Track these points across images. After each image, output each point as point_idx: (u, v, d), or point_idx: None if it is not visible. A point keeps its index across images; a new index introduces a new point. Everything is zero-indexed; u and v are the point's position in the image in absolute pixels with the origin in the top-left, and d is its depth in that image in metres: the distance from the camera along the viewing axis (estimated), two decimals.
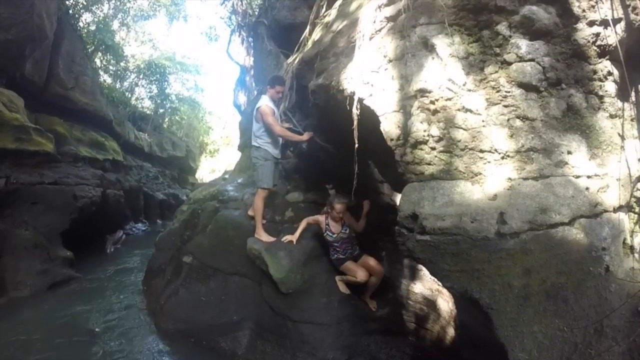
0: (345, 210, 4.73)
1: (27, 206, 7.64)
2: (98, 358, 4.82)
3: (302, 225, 4.94)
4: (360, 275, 4.54)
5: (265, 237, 4.99)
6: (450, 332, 4.29)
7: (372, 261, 4.78)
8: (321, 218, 4.83)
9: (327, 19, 5.18)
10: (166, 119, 25.75)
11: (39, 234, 7.60)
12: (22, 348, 4.93)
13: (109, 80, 19.35)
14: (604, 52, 2.84)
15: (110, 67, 19.33)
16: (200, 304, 5.31)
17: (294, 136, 5.03)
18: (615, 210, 2.83)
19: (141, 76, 21.77)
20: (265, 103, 4.94)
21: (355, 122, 3.62)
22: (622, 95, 2.98)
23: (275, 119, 4.96)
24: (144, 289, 7.21)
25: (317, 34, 5.19)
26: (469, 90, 2.87)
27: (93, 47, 16.40)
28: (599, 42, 2.80)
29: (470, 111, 2.84)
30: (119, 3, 18.94)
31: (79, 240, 8.96)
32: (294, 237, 4.86)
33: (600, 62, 2.88)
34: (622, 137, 2.94)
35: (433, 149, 2.95)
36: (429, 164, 2.97)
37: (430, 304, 4.61)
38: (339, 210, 4.64)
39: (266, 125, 4.91)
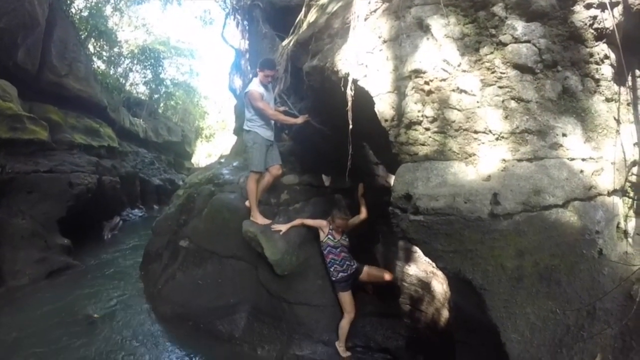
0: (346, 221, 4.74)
1: (23, 195, 7.64)
2: (97, 343, 4.87)
3: (296, 223, 4.88)
4: (351, 315, 4.52)
5: (260, 220, 4.97)
6: (445, 313, 4.33)
7: (374, 270, 4.83)
8: (324, 223, 4.77)
9: (322, 1, 5.09)
10: (161, 104, 25.62)
11: (36, 223, 7.62)
12: (22, 336, 4.96)
13: (102, 66, 19.17)
14: (601, 35, 2.80)
15: (104, 53, 19.11)
16: (198, 288, 5.35)
17: (288, 119, 4.96)
18: (610, 193, 2.82)
19: (135, 61, 21.60)
20: (254, 88, 4.83)
21: (350, 104, 3.58)
22: (619, 79, 2.95)
23: (266, 102, 4.84)
24: (141, 274, 7.26)
25: (312, 16, 5.10)
26: (464, 71, 2.85)
27: (86, 33, 16.18)
28: (596, 25, 2.76)
29: (465, 92, 2.82)
30: None
31: (76, 228, 8.98)
32: (283, 228, 4.81)
33: (597, 45, 2.84)
34: (618, 121, 2.92)
35: (427, 129, 2.93)
36: (423, 145, 2.96)
37: (425, 285, 4.64)
38: (339, 225, 4.65)
39: (257, 110, 4.83)
